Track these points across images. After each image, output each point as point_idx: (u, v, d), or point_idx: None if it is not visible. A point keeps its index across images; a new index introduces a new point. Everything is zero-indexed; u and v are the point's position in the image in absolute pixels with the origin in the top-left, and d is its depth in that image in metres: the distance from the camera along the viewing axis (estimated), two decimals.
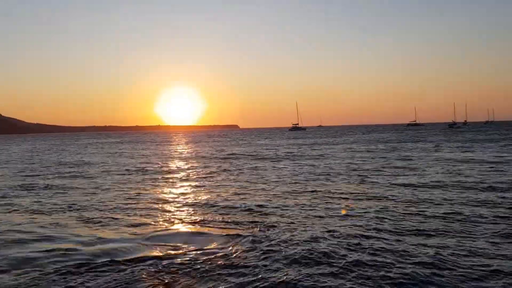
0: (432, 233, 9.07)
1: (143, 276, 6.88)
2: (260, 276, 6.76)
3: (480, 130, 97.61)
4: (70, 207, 13.23)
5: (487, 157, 27.19)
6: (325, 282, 6.48)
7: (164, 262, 7.53)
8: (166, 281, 6.67)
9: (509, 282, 6.30)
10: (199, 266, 7.27)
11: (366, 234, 9.04)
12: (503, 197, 12.97)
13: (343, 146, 47.21)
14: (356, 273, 6.81)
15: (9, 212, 12.70)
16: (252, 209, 12.17)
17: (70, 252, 8.20)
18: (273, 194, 14.85)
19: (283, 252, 7.91)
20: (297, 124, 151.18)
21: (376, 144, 48.16)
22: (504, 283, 6.29)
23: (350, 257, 7.56)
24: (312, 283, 6.45)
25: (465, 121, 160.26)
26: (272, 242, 8.58)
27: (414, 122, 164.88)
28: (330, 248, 8.10)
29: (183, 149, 51.73)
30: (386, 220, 10.23)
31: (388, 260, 7.30)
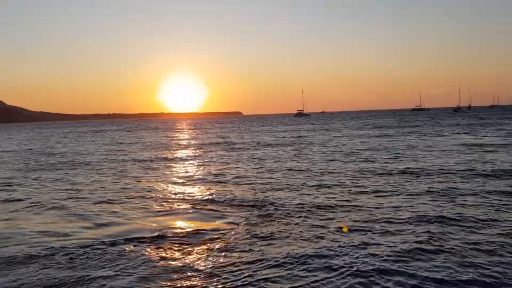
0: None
1: (144, 253, 6.94)
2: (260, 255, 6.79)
3: (482, 114, 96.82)
4: (76, 191, 13.33)
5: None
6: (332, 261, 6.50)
7: (167, 242, 7.58)
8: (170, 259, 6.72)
9: None
10: (200, 245, 7.31)
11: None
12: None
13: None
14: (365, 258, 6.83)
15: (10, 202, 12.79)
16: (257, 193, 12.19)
17: (76, 234, 8.30)
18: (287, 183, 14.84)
19: (287, 234, 7.94)
20: (302, 110, 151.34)
21: (380, 130, 47.95)
22: None
23: (363, 239, 7.57)
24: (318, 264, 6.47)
25: (469, 105, 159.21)
26: (276, 224, 8.61)
27: (419, 107, 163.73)
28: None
29: (187, 137, 51.74)
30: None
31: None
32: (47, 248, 7.53)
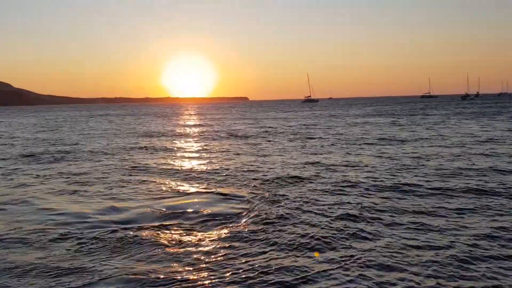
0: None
1: (153, 238, 6.98)
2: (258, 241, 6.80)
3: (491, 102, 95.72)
4: (84, 176, 13.42)
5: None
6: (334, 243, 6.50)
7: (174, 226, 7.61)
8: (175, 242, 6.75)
9: None
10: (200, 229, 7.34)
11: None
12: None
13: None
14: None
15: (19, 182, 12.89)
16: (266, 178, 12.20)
17: (83, 219, 8.36)
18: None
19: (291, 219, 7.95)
20: (309, 96, 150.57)
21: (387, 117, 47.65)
22: None
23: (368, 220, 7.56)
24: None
25: (478, 93, 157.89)
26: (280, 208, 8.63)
27: (428, 94, 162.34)
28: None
29: (193, 123, 51.80)
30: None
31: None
32: (56, 232, 7.60)
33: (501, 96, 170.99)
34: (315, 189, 10.61)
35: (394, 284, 5.32)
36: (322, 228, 7.48)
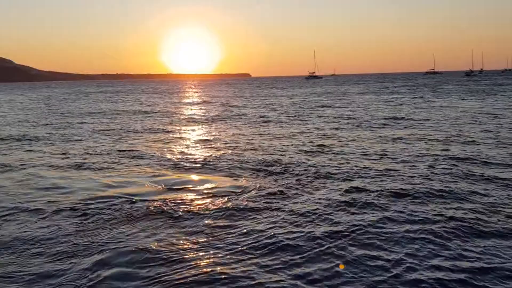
0: None
1: (155, 214, 7.12)
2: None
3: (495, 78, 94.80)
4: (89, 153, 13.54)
5: None
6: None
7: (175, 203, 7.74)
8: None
9: None
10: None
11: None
12: None
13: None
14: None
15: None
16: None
17: (88, 193, 8.54)
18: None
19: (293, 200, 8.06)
20: (314, 72, 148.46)
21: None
22: None
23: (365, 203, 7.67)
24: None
25: (481, 69, 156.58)
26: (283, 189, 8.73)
27: (433, 71, 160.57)
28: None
29: (192, 101, 51.58)
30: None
31: None
32: (60, 205, 7.77)
33: (506, 73, 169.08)
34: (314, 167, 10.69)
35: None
36: (324, 205, 7.58)
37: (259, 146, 13.89)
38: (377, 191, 8.23)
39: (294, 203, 7.67)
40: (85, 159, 12.31)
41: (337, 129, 17.82)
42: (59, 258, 5.63)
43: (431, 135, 15.26)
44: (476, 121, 19.07)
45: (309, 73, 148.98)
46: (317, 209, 7.28)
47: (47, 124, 22.29)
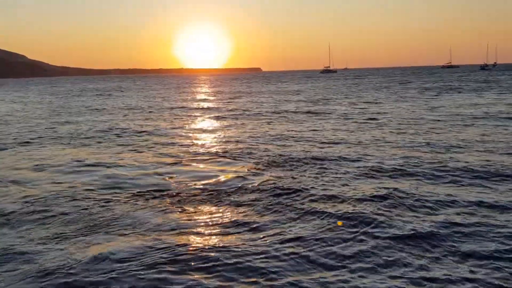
0: None
1: (159, 204, 7.49)
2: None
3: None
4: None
5: None
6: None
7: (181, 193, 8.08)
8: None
9: None
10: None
11: None
12: None
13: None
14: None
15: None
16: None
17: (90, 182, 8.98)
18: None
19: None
20: (329, 66, 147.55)
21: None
22: None
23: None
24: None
25: (495, 63, 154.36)
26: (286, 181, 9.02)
27: (449, 64, 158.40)
28: None
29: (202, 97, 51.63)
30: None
31: None
32: (68, 196, 8.19)
33: None
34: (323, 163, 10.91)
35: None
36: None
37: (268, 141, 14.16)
38: None
39: (302, 199, 7.96)
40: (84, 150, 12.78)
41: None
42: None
43: None
44: None
45: (324, 67, 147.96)
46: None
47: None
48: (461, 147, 11.76)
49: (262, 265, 5.13)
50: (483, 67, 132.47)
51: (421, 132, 14.79)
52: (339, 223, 6.29)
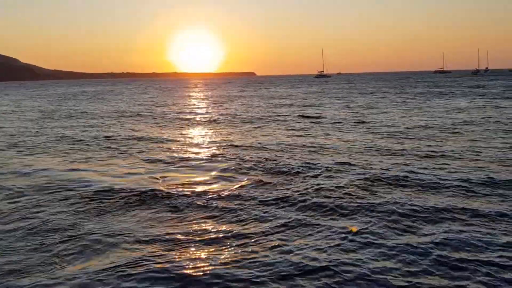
0: None
1: (154, 206, 7.33)
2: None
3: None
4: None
5: None
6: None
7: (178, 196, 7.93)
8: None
9: None
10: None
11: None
12: None
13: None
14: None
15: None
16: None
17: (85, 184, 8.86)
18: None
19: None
20: (322, 71, 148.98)
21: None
22: None
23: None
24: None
25: (487, 68, 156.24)
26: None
27: (442, 70, 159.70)
28: None
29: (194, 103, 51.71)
30: None
31: None
32: (60, 194, 8.07)
33: None
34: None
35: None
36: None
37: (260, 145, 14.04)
38: None
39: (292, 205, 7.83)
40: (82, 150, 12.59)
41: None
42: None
43: None
44: None
45: (318, 72, 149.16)
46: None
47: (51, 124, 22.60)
48: (450, 155, 11.62)
49: (244, 276, 4.98)
50: (475, 72, 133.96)
51: (413, 138, 14.71)
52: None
